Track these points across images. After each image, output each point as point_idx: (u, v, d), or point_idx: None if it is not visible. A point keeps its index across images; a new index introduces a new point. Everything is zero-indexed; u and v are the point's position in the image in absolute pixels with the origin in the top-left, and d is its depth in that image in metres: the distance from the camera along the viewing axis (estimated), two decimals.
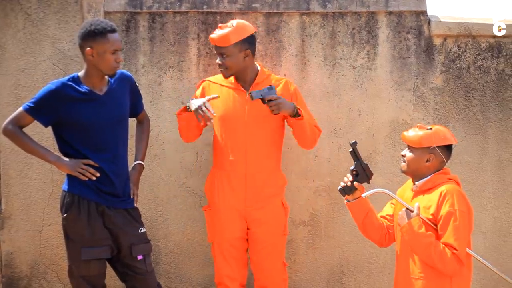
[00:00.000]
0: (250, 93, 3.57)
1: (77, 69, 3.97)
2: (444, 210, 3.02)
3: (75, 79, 3.43)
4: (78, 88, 3.41)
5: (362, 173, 3.20)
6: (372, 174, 3.23)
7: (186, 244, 4.25)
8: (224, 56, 3.64)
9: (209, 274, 4.21)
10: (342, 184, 3.22)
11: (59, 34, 4.07)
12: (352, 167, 3.21)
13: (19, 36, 4.06)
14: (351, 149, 3.19)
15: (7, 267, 4.20)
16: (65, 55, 4.07)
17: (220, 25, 3.74)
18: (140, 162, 3.67)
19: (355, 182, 3.20)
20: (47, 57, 4.07)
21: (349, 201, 3.25)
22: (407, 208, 3.09)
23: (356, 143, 3.19)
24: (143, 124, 3.75)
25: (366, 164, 3.21)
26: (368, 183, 3.23)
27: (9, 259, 4.19)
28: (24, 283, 4.21)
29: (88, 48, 3.35)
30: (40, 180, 4.14)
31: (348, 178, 3.21)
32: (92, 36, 3.34)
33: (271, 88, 3.57)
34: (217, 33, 3.67)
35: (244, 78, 3.75)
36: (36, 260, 4.20)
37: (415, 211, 3.06)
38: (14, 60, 4.07)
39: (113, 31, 3.37)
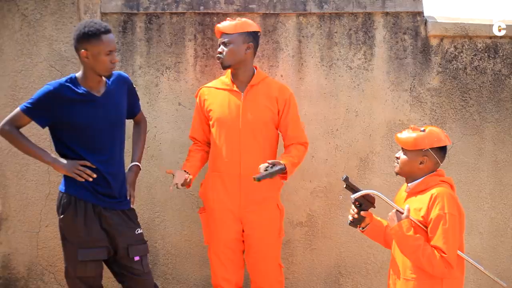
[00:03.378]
0: (256, 178, 3.49)
1: (74, 70, 3.97)
2: (434, 213, 3.01)
3: (73, 80, 3.43)
4: (76, 89, 3.40)
5: (365, 202, 3.20)
6: (374, 199, 3.20)
7: (183, 245, 4.25)
8: (227, 44, 3.69)
9: (206, 275, 4.21)
10: (350, 217, 3.23)
11: (56, 35, 4.07)
12: (352, 200, 3.20)
13: (16, 37, 4.06)
14: (345, 185, 3.16)
15: (4, 268, 4.20)
16: (62, 56, 4.07)
17: (228, 18, 3.82)
18: (137, 163, 3.67)
19: (361, 212, 3.20)
20: (44, 58, 4.07)
21: (363, 228, 3.26)
22: (397, 210, 3.09)
23: (348, 178, 3.15)
24: (140, 126, 3.75)
25: (366, 192, 3.19)
26: (374, 207, 3.21)
27: (6, 260, 4.19)
28: (21, 284, 4.21)
29: (83, 50, 3.34)
30: (37, 181, 4.14)
31: (353, 211, 3.22)
32: (86, 38, 3.33)
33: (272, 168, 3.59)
34: (224, 22, 3.76)
35: (241, 77, 3.76)
36: (33, 261, 4.20)
37: (405, 213, 3.06)
38: (11, 62, 4.07)
39: (107, 32, 3.35)
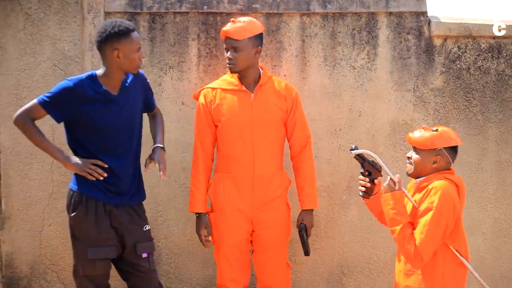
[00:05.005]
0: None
1: (78, 69, 3.99)
2: (424, 205, 3.05)
3: (93, 78, 3.40)
4: (95, 87, 3.38)
5: (374, 170, 3.21)
6: (380, 167, 3.20)
7: (186, 244, 4.25)
8: (237, 50, 3.64)
9: (209, 275, 4.21)
10: (363, 188, 3.24)
11: (60, 35, 4.07)
12: (362, 170, 3.22)
13: (20, 37, 4.06)
14: (354, 155, 3.18)
15: (7, 267, 4.20)
16: (66, 55, 4.07)
17: (232, 19, 3.74)
18: (160, 145, 3.55)
19: (375, 180, 3.22)
20: (48, 58, 4.07)
21: (368, 198, 3.27)
22: (391, 178, 3.10)
23: (357, 147, 3.19)
24: (157, 116, 3.74)
25: (372, 160, 3.21)
26: (381, 176, 3.23)
27: (9, 259, 4.19)
28: (24, 283, 4.21)
29: (115, 51, 3.32)
30: (40, 181, 4.14)
31: (365, 181, 3.22)
32: (116, 37, 3.31)
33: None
34: (231, 26, 3.66)
35: (249, 78, 3.74)
36: (36, 260, 4.20)
37: (397, 186, 3.08)
38: (14, 61, 4.07)
39: (134, 29, 3.38)
